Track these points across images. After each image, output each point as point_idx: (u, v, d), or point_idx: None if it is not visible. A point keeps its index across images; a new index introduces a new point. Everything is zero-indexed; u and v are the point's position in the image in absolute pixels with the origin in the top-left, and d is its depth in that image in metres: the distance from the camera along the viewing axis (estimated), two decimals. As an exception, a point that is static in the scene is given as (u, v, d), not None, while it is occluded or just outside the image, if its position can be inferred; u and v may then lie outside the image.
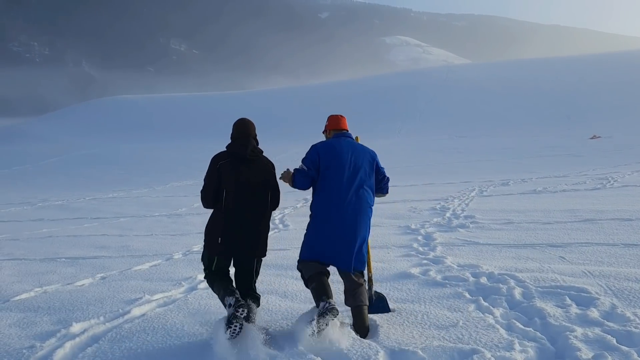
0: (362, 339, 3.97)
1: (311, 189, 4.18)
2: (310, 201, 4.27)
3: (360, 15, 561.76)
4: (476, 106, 54.56)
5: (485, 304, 4.69)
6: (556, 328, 4.03)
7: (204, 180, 4.06)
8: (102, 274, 6.73)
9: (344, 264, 4.00)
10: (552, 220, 8.92)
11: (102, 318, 4.78)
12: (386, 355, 3.70)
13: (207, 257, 4.11)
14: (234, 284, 4.08)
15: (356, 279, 4.04)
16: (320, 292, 3.85)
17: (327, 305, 3.72)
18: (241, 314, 3.66)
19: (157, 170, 29.80)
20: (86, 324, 4.62)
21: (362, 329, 3.96)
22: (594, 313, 4.29)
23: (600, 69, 63.88)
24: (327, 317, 3.65)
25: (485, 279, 5.44)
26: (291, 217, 11.49)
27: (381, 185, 4.25)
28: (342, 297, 4.21)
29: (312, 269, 3.96)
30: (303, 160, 4.03)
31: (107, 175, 30.57)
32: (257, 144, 4.17)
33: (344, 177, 3.95)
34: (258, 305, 4.15)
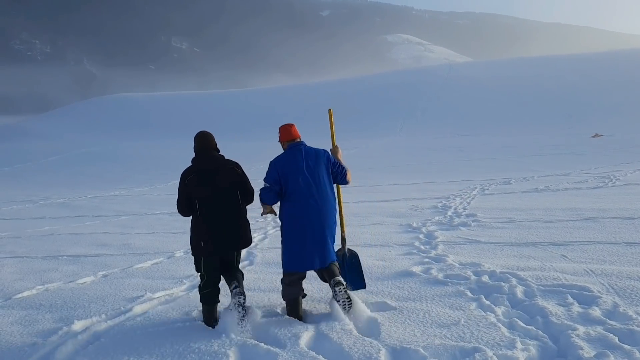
0: (361, 334, 3.98)
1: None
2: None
3: (361, 13, 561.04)
4: (478, 104, 54.49)
5: (487, 302, 4.69)
6: (558, 326, 4.03)
7: (178, 193, 4.54)
8: (103, 272, 6.74)
9: (323, 264, 4.48)
10: (554, 218, 8.91)
11: (103, 316, 4.79)
12: (388, 354, 3.71)
13: (195, 260, 4.54)
14: (217, 310, 4.53)
15: (330, 267, 4.52)
16: (291, 311, 4.51)
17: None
18: (242, 301, 4.36)
19: (159, 168, 29.80)
20: (88, 322, 4.63)
21: (345, 302, 4.36)
22: (595, 312, 4.29)
23: (602, 67, 63.74)
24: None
25: (487, 277, 5.43)
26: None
27: (337, 178, 4.68)
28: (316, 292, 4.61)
29: (290, 293, 4.49)
30: (265, 179, 4.47)
31: (108, 173, 30.59)
32: (218, 151, 4.61)
33: (303, 184, 4.40)
34: (242, 279, 4.65)
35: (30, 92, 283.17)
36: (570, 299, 4.62)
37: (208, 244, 4.41)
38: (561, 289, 4.89)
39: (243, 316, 4.31)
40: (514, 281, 5.19)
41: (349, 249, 5.00)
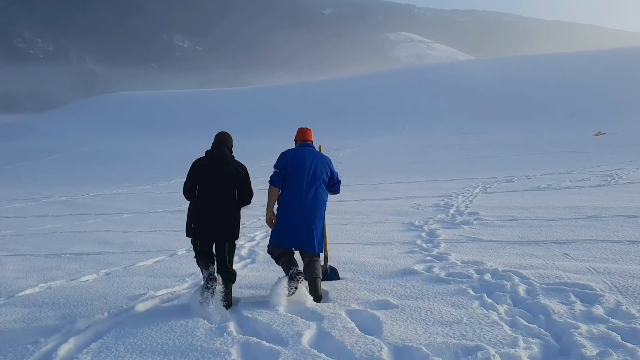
0: (363, 332, 3.98)
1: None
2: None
3: (363, 11, 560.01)
4: (480, 103, 54.41)
5: (489, 300, 4.68)
6: (560, 325, 4.03)
7: (186, 176, 4.98)
8: (106, 270, 6.75)
9: (308, 247, 4.97)
10: (556, 217, 8.90)
11: (106, 314, 4.79)
12: (390, 352, 3.71)
13: (192, 241, 5.03)
14: (214, 262, 4.90)
15: (313, 258, 5.02)
16: (289, 263, 4.86)
17: (295, 270, 4.74)
18: (211, 286, 4.62)
19: (161, 166, 29.82)
20: (90, 320, 4.63)
21: (315, 295, 4.84)
22: (598, 310, 4.28)
23: (605, 65, 63.59)
24: (296, 279, 4.68)
25: (489, 275, 5.43)
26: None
27: (334, 187, 5.28)
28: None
29: (279, 250, 5.00)
30: (275, 166, 5.07)
31: (111, 172, 30.63)
32: (231, 152, 5.09)
33: (305, 178, 4.97)
34: (233, 280, 4.99)
35: (32, 90, 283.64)
36: (573, 298, 4.61)
37: (197, 228, 4.88)
38: (564, 287, 4.88)
39: (225, 304, 4.72)
40: (516, 279, 5.18)
41: (330, 266, 5.68)
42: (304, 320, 4.41)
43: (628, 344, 3.63)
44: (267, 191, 5.11)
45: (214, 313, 4.52)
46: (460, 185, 15.36)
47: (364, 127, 48.73)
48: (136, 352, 3.90)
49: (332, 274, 5.61)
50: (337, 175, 5.26)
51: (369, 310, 4.60)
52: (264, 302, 4.94)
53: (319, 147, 5.71)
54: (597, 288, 4.79)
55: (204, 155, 5.00)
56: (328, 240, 5.71)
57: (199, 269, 5.00)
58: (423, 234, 8.11)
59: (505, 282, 5.11)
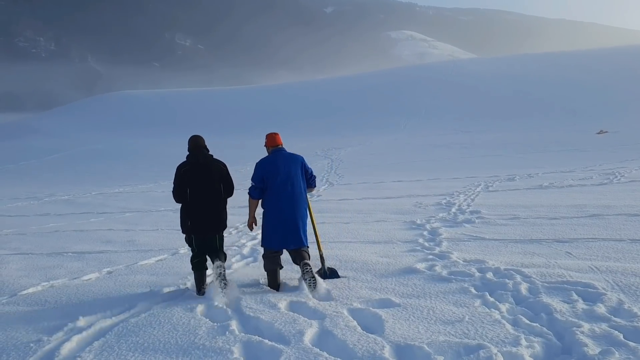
0: (365, 330, 3.99)
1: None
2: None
3: (365, 9, 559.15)
4: (482, 101, 54.31)
5: (491, 299, 4.68)
6: (563, 323, 4.03)
7: (173, 183, 5.45)
8: (108, 269, 6.76)
9: (295, 245, 5.42)
10: (558, 215, 8.89)
11: (108, 312, 4.81)
12: (392, 350, 3.71)
13: (186, 238, 5.49)
14: (205, 279, 5.43)
15: (301, 250, 5.44)
16: (271, 280, 5.46)
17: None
18: (202, 292, 5.28)
19: (163, 165, 29.81)
20: (93, 318, 4.65)
21: (311, 278, 5.17)
22: (600, 309, 4.28)
23: (607, 63, 63.42)
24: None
25: (491, 274, 5.43)
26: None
27: (309, 182, 5.69)
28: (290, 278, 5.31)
29: (269, 265, 5.47)
30: (252, 179, 5.50)
31: (113, 170, 30.66)
32: (208, 151, 5.56)
33: (281, 182, 5.39)
34: (225, 259, 5.52)
35: (34, 89, 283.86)
36: (575, 296, 4.61)
37: (193, 224, 5.37)
38: (566, 286, 4.88)
39: (224, 286, 5.12)
40: (518, 278, 5.18)
41: (328, 267, 5.83)
42: (305, 318, 4.42)
43: (630, 343, 3.63)
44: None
45: (216, 294, 5.04)
46: (462, 183, 15.34)
47: (365, 125, 48.67)
48: (139, 351, 3.91)
49: (331, 275, 5.74)
50: (312, 171, 5.74)
51: (370, 308, 4.60)
52: (266, 301, 4.95)
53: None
54: (599, 287, 4.79)
55: (185, 159, 5.46)
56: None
57: (193, 272, 5.48)
58: (425, 233, 8.11)
59: (507, 281, 5.11)
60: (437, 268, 5.82)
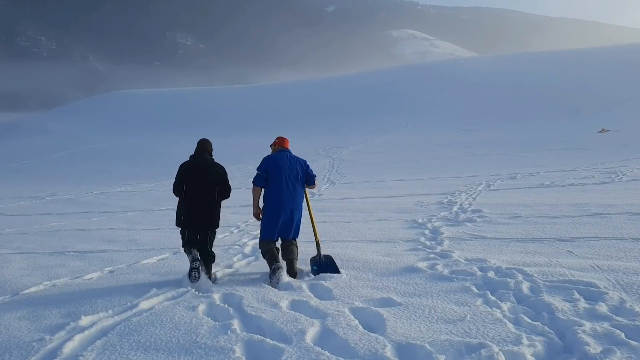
0: (367, 329, 3.99)
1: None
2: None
3: (366, 8, 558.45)
4: (483, 100, 54.25)
5: (493, 298, 4.68)
6: (564, 322, 4.02)
7: (175, 178, 5.97)
8: (110, 268, 6.77)
9: (287, 235, 5.95)
10: (560, 214, 8.88)
11: (110, 311, 4.81)
12: (393, 349, 3.71)
13: (181, 231, 6.01)
14: (197, 248, 5.86)
15: (289, 243, 5.96)
16: (272, 258, 5.80)
17: (276, 265, 5.68)
18: (195, 266, 5.62)
19: (164, 164, 29.83)
20: (95, 317, 4.65)
21: (292, 273, 5.80)
22: (602, 307, 4.27)
23: (609, 62, 63.30)
24: (277, 272, 5.60)
25: (493, 273, 5.43)
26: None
27: (309, 180, 6.15)
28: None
29: (266, 247, 5.93)
30: (258, 168, 6.03)
31: (114, 169, 30.70)
32: (211, 155, 6.11)
33: (283, 178, 5.92)
34: (213, 260, 5.98)
35: (36, 88, 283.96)
36: (577, 295, 4.61)
37: (185, 219, 5.88)
38: (567, 284, 4.88)
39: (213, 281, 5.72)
40: (520, 277, 5.18)
41: (324, 255, 6.16)
42: (307, 317, 4.42)
43: (632, 342, 3.63)
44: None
45: (203, 284, 5.51)
46: (463, 182, 15.34)
47: (366, 124, 48.64)
48: (141, 350, 3.92)
49: (327, 264, 6.03)
50: (312, 171, 6.23)
51: (372, 307, 4.60)
52: (267, 300, 4.96)
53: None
54: (601, 285, 4.79)
55: (188, 159, 6.00)
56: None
57: (185, 254, 5.97)
58: (426, 232, 8.11)
59: (508, 280, 5.11)
60: (438, 267, 5.82)
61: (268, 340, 3.96)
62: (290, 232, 5.95)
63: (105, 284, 5.88)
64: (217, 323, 4.40)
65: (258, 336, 4.06)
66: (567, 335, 3.81)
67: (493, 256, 6.19)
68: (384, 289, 5.14)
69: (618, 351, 3.48)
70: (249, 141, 38.66)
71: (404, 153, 28.47)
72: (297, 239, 6.08)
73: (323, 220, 10.04)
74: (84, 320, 4.56)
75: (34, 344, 4.09)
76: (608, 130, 32.20)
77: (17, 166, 35.58)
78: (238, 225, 9.79)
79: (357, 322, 4.27)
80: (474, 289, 4.97)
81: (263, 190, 6.06)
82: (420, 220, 9.14)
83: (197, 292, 5.38)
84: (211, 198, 5.92)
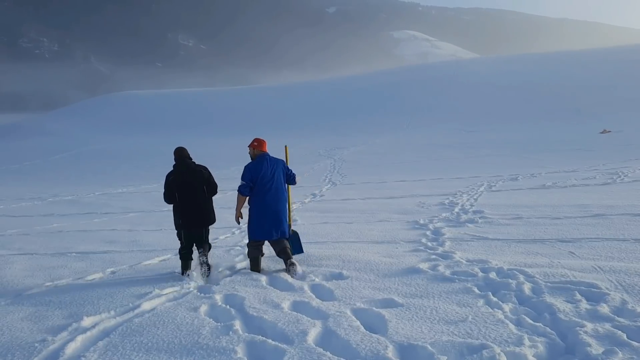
0: (369, 330, 4.00)
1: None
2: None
3: (367, 9, 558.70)
4: (485, 100, 54.24)
5: (495, 299, 4.68)
6: (566, 323, 4.02)
7: (164, 187, 6.42)
8: (112, 269, 6.78)
9: (278, 235, 6.28)
10: (561, 215, 8.88)
11: (112, 312, 4.82)
12: (395, 350, 3.71)
13: (178, 233, 6.43)
14: (191, 259, 6.37)
15: (283, 243, 6.30)
16: (254, 267, 6.32)
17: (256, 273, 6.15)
18: (185, 274, 6.15)
19: (166, 165, 29.77)
20: (97, 318, 4.66)
21: (293, 272, 5.98)
22: (604, 308, 4.27)
23: (611, 62, 63.26)
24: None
25: (495, 274, 5.42)
26: (299, 213, 11.49)
27: (289, 180, 6.54)
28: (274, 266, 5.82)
29: (253, 253, 6.33)
30: (242, 178, 6.31)
31: (116, 170, 30.74)
32: (190, 159, 6.53)
33: (266, 184, 6.26)
34: (209, 249, 6.50)
35: (38, 89, 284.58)
36: (578, 296, 4.60)
37: (183, 221, 6.34)
38: (569, 285, 4.88)
39: (206, 271, 6.13)
40: (521, 278, 5.18)
41: (292, 230, 6.80)
42: (309, 318, 4.43)
43: (634, 343, 3.63)
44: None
45: (198, 276, 6.00)
46: (465, 183, 15.33)
47: (368, 125, 48.66)
48: (143, 351, 3.93)
49: (292, 240, 6.64)
50: (291, 171, 6.60)
51: (374, 308, 4.61)
52: (269, 301, 4.96)
53: (285, 146, 7.29)
54: (603, 286, 4.78)
55: (172, 168, 6.47)
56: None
57: (180, 259, 6.40)
58: (428, 233, 8.11)
59: (510, 281, 5.11)
60: (440, 268, 5.82)
61: (270, 341, 3.97)
62: (278, 233, 6.29)
63: (107, 285, 5.88)
64: (218, 324, 4.41)
65: (260, 337, 4.06)
66: (569, 336, 3.81)
67: (495, 257, 6.19)
68: (385, 290, 5.14)
69: (620, 352, 3.48)
70: (249, 142, 38.66)
71: (405, 154, 28.47)
72: (288, 239, 6.41)
73: (324, 221, 10.05)
74: (86, 321, 4.57)
75: (36, 344, 4.10)
76: (610, 131, 32.17)
77: (19, 167, 35.64)
78: (240, 226, 9.80)
79: (358, 323, 4.27)
80: (476, 290, 4.97)
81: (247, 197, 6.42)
82: (421, 221, 9.14)
83: (198, 293, 5.40)
84: (203, 197, 6.44)
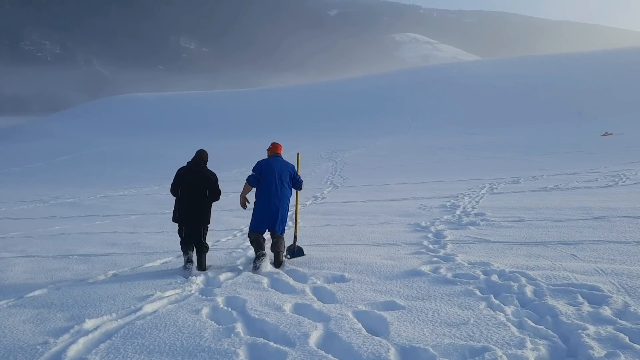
0: (370, 333, 3.99)
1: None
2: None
3: (369, 12, 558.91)
4: (486, 103, 54.25)
5: (496, 301, 4.68)
6: (568, 326, 4.02)
7: (173, 178, 6.88)
8: (113, 271, 6.78)
9: (276, 229, 6.74)
10: (563, 217, 8.87)
11: (114, 314, 4.82)
12: (397, 353, 3.71)
13: (178, 230, 6.88)
14: (192, 250, 6.76)
15: (278, 238, 6.76)
16: (257, 246, 6.67)
17: (261, 252, 6.53)
18: (188, 267, 6.51)
19: (167, 167, 29.81)
20: (99, 321, 4.66)
21: (277, 264, 6.64)
22: (606, 311, 4.26)
23: (612, 65, 63.24)
24: (261, 258, 6.45)
25: (496, 276, 5.42)
26: (301, 215, 11.49)
27: (296, 184, 7.02)
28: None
29: (253, 237, 6.78)
30: (253, 169, 6.84)
31: (118, 173, 30.78)
32: (205, 164, 7.02)
33: (273, 180, 6.74)
34: (206, 251, 6.85)
35: (40, 92, 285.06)
36: (580, 299, 4.60)
37: (180, 215, 6.81)
38: (571, 288, 4.87)
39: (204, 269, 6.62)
40: (523, 280, 5.17)
41: (297, 246, 7.16)
42: (310, 321, 4.43)
43: (636, 345, 3.62)
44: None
45: (193, 275, 6.32)
46: (466, 186, 15.33)
47: (369, 128, 48.70)
48: (144, 353, 3.93)
49: (298, 252, 7.08)
50: (299, 177, 7.08)
51: (375, 311, 4.61)
52: (271, 303, 4.96)
53: (297, 154, 8.08)
54: (605, 289, 4.78)
55: (186, 164, 6.95)
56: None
57: (182, 252, 6.81)
58: (429, 235, 8.11)
59: (512, 283, 5.10)
60: (441, 270, 5.82)
61: (271, 343, 3.97)
62: (275, 225, 6.72)
63: (109, 288, 5.89)
64: (220, 326, 4.41)
65: (261, 339, 4.06)
66: (571, 339, 3.80)
67: (496, 260, 6.19)
68: (387, 293, 5.14)
69: (622, 355, 3.47)
70: (252, 144, 38.68)
71: (406, 156, 28.47)
72: (283, 235, 6.86)
73: (326, 223, 10.05)
74: (88, 324, 4.57)
75: (38, 347, 4.10)
76: (611, 134, 32.15)
77: (21, 170, 35.69)
78: (241, 228, 9.80)
79: (360, 325, 4.27)
80: (478, 292, 4.97)
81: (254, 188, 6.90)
82: (423, 224, 9.14)
83: (200, 295, 5.40)
84: (201, 200, 6.80)
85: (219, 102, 72.27)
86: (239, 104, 69.66)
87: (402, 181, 18.24)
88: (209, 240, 7.11)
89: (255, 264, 6.40)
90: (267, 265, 6.45)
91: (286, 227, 7.02)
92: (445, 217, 9.80)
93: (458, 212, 10.31)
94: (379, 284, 5.45)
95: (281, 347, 3.88)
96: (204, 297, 5.33)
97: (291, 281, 5.80)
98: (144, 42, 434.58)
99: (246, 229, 9.70)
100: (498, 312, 4.41)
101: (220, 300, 5.16)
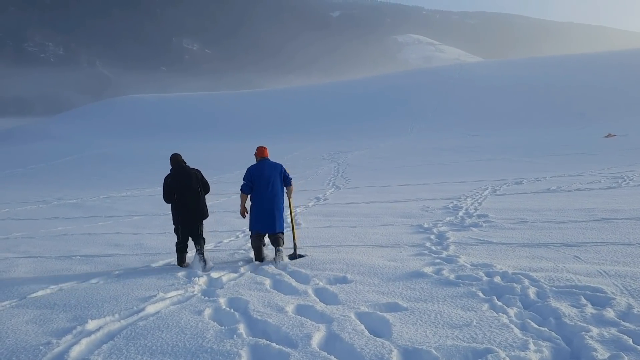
0: (373, 334, 3.99)
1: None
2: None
3: (372, 13, 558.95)
4: (489, 104, 54.17)
5: (499, 303, 4.67)
6: (571, 328, 4.01)
7: (163, 188, 7.24)
8: (116, 272, 6.80)
9: (273, 230, 7.12)
10: (566, 219, 8.85)
11: (117, 315, 4.83)
12: (399, 354, 3.71)
13: (175, 229, 7.23)
14: (186, 252, 7.24)
15: (277, 236, 7.10)
16: (257, 256, 7.15)
17: (258, 261, 7.07)
18: (182, 267, 6.98)
19: (170, 168, 29.89)
20: (101, 321, 4.67)
21: (279, 258, 6.89)
22: (609, 313, 4.25)
23: (615, 66, 63.10)
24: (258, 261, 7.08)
25: (499, 278, 5.41)
26: (304, 216, 11.49)
27: (286, 181, 7.41)
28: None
29: (255, 244, 7.19)
30: (244, 178, 7.32)
31: (120, 174, 30.82)
32: (185, 163, 7.42)
33: (264, 184, 7.19)
34: (204, 243, 7.23)
35: (43, 93, 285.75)
36: (584, 300, 4.58)
37: (180, 217, 7.16)
38: (574, 290, 4.86)
39: (203, 265, 6.80)
40: (526, 282, 5.16)
41: (298, 254, 7.27)
42: (313, 322, 4.42)
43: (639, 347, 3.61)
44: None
45: (196, 268, 6.71)
46: (469, 187, 15.31)
47: (372, 129, 48.66)
48: (147, 354, 3.93)
49: (299, 256, 7.28)
50: (289, 175, 7.48)
51: (378, 312, 4.60)
52: (273, 305, 4.96)
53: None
54: (608, 291, 4.76)
55: (169, 172, 7.29)
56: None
57: (176, 254, 7.20)
58: (432, 237, 8.10)
59: (515, 285, 5.09)
60: (444, 272, 5.81)
61: (274, 344, 3.97)
62: (274, 226, 7.10)
63: (112, 288, 5.90)
64: (223, 327, 4.41)
65: (264, 341, 4.06)
66: (575, 341, 3.79)
67: (499, 261, 6.17)
68: (389, 294, 5.13)
69: (625, 357, 3.46)
70: (254, 146, 38.66)
71: (409, 158, 28.44)
72: (283, 232, 7.18)
73: (328, 225, 10.05)
74: (91, 324, 4.58)
75: (41, 347, 4.11)
76: (614, 135, 32.07)
77: (24, 171, 35.77)
78: (243, 229, 9.80)
79: (363, 327, 4.26)
80: (480, 294, 4.96)
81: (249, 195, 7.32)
82: (425, 225, 9.13)
83: (203, 297, 5.40)
84: (197, 196, 7.25)
85: (222, 103, 72.33)
86: (242, 105, 69.70)
87: (405, 183, 18.23)
88: (210, 242, 7.21)
89: (255, 258, 7.13)
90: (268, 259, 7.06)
91: (285, 230, 7.35)
92: (448, 218, 9.79)
93: (461, 213, 10.30)
94: (381, 286, 5.45)
95: (284, 349, 3.88)
96: (206, 298, 5.34)
97: (293, 282, 5.80)
98: (147, 44, 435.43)
99: (248, 231, 9.73)
100: (501, 314, 4.40)
101: (222, 301, 5.16)
